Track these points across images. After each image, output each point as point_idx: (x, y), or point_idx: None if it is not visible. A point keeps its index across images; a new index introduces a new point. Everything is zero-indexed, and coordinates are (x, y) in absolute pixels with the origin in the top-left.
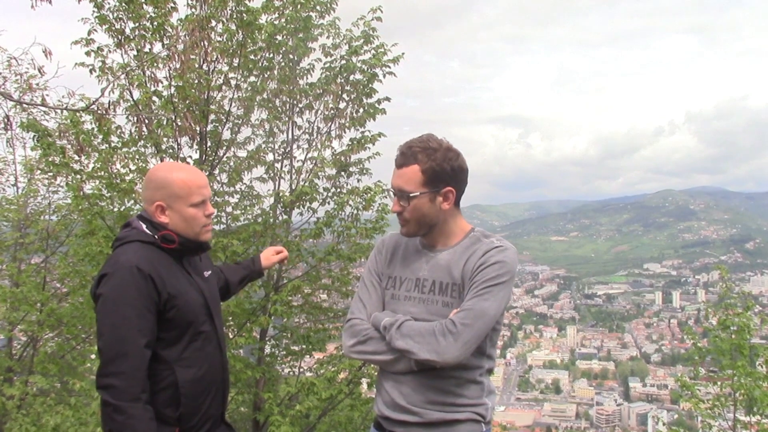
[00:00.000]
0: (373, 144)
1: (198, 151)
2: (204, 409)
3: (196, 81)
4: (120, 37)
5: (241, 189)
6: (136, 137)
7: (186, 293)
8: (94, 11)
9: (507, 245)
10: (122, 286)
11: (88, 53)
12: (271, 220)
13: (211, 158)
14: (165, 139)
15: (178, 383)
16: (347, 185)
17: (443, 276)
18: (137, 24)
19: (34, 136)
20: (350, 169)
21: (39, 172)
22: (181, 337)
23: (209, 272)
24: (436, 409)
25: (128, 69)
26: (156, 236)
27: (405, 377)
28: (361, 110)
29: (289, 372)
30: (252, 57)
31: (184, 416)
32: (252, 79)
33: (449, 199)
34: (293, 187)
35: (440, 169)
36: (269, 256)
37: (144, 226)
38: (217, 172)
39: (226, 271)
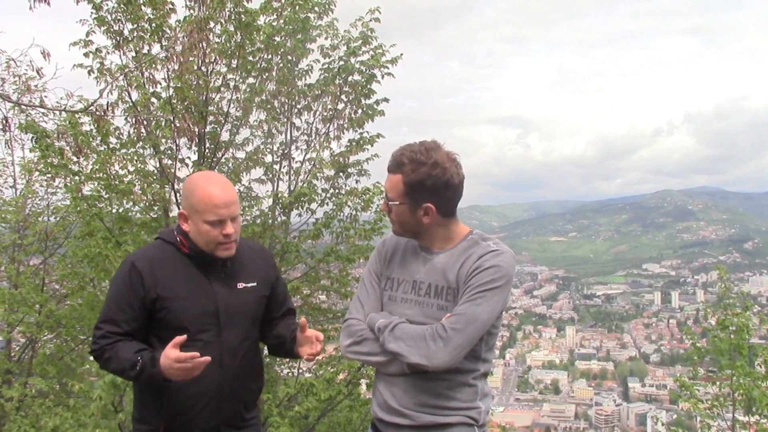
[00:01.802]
0: (372, 145)
1: (197, 153)
2: (191, 416)
3: (195, 82)
4: (118, 38)
5: (239, 190)
6: (135, 138)
7: (186, 298)
8: (92, 12)
9: (503, 249)
10: (116, 279)
11: (86, 54)
12: (270, 221)
13: (209, 159)
14: (163, 141)
15: (164, 386)
16: (346, 186)
17: (439, 279)
18: (136, 25)
19: (33, 137)
20: (349, 170)
21: (37, 173)
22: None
23: (251, 284)
24: (428, 412)
25: (127, 70)
26: (178, 238)
27: (398, 379)
28: (360, 111)
29: (288, 373)
30: (250, 58)
31: (167, 418)
32: (250, 80)
33: (429, 215)
34: (292, 188)
35: (420, 185)
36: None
37: (176, 227)
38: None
39: (283, 322)
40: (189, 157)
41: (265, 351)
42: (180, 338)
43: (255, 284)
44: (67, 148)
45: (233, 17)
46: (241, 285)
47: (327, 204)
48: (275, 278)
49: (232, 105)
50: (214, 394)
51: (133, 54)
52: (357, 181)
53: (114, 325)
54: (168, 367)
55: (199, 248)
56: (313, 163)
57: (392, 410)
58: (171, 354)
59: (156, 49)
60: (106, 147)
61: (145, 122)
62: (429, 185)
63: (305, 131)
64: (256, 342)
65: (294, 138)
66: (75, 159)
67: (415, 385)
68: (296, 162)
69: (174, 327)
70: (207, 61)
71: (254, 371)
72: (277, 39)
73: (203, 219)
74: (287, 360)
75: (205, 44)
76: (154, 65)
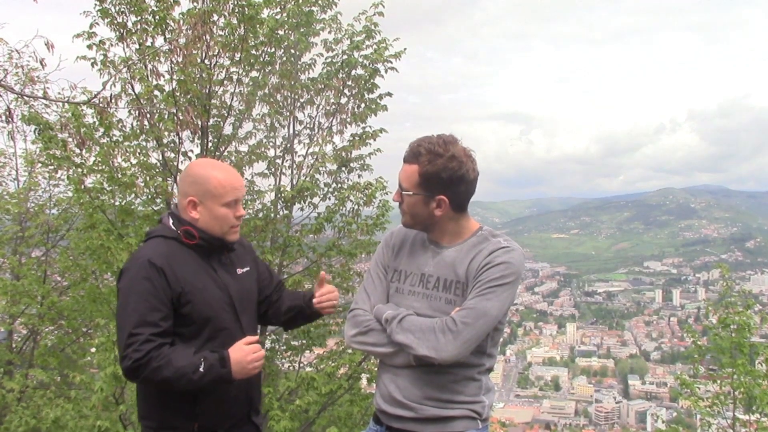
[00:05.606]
0: (374, 140)
1: (199, 146)
2: (225, 408)
3: (198, 75)
4: (122, 30)
5: None
6: (138, 131)
7: (205, 289)
8: (96, 4)
9: (514, 246)
10: (136, 280)
11: (90, 46)
12: (272, 215)
13: (212, 153)
14: (166, 133)
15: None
16: (348, 181)
17: (448, 273)
18: (139, 17)
19: (36, 129)
20: (351, 164)
21: (40, 165)
22: (200, 333)
23: (246, 269)
24: (432, 405)
25: (130, 63)
26: (179, 231)
27: (403, 371)
28: (363, 106)
29: (289, 367)
30: (253, 51)
31: (201, 413)
32: (253, 73)
33: (442, 207)
34: (294, 183)
35: (436, 177)
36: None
37: (171, 222)
38: None
39: (285, 294)
40: (192, 150)
41: (267, 345)
42: (252, 338)
43: (248, 269)
44: (70, 140)
45: (237, 10)
46: (240, 271)
47: (329, 198)
48: (254, 257)
49: (235, 98)
50: (243, 383)
51: (137, 46)
52: (359, 176)
53: (152, 327)
54: (241, 360)
55: (211, 235)
56: (315, 157)
57: (396, 402)
58: (244, 345)
59: (159, 41)
60: (108, 139)
61: (148, 115)
62: (444, 177)
63: (308, 125)
64: None
65: (297, 132)
66: (78, 151)
67: (420, 377)
68: (299, 156)
69: (200, 319)
70: (210, 54)
71: None
72: (281, 32)
73: (222, 202)
74: (288, 354)
75: (208, 37)
76: (157, 58)
